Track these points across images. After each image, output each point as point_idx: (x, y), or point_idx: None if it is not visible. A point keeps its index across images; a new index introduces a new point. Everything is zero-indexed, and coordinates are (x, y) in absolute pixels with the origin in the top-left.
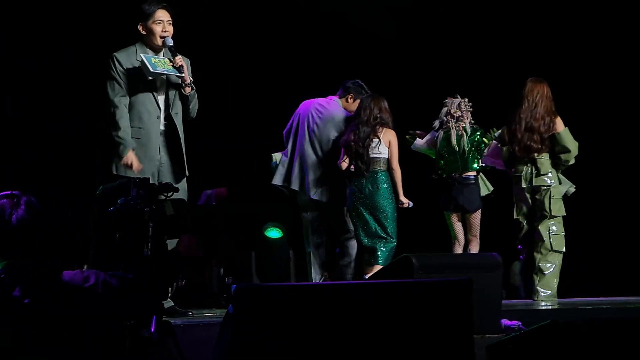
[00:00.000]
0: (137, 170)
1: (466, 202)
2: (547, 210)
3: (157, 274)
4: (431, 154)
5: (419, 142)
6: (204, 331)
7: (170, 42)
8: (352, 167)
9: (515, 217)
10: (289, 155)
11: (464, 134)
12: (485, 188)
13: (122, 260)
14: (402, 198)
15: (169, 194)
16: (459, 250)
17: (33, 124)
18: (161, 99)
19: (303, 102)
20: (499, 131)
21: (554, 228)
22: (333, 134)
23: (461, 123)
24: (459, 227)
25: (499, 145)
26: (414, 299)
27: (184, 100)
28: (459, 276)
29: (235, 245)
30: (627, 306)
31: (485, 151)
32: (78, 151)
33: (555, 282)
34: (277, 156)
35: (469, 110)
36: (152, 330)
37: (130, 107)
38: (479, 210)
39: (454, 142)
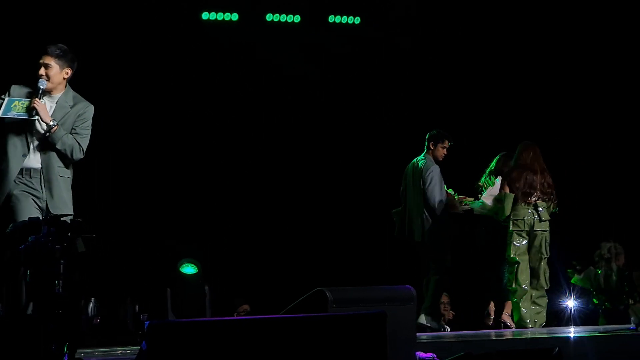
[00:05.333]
0: None
1: None
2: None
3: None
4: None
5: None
6: None
7: (42, 85)
8: None
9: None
10: None
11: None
12: None
13: (32, 298)
14: None
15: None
16: None
17: None
18: (32, 138)
19: None
20: None
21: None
22: None
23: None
24: None
25: None
26: (328, 333)
27: (51, 140)
28: (373, 309)
29: (151, 282)
30: (540, 337)
31: None
32: None
33: (545, 313)
34: None
35: (620, 254)
36: None
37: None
38: None
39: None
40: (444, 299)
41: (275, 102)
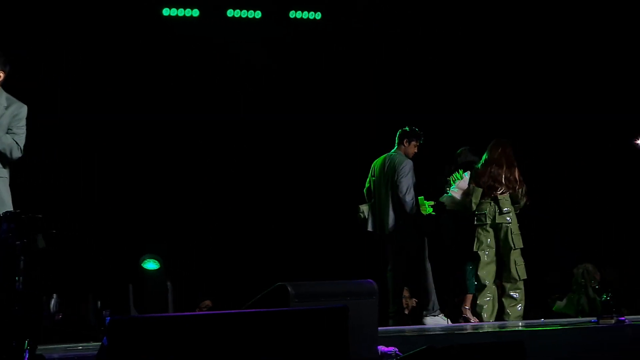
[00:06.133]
0: None
1: None
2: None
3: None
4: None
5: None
6: None
7: None
8: None
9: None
10: None
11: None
12: None
13: None
14: None
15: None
16: None
17: None
18: None
19: None
20: None
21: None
22: None
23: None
24: None
25: None
26: (290, 327)
27: None
28: (335, 304)
29: (113, 277)
30: (503, 330)
31: None
32: None
33: (522, 306)
34: None
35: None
36: None
37: None
38: None
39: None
40: (405, 293)
41: (237, 98)
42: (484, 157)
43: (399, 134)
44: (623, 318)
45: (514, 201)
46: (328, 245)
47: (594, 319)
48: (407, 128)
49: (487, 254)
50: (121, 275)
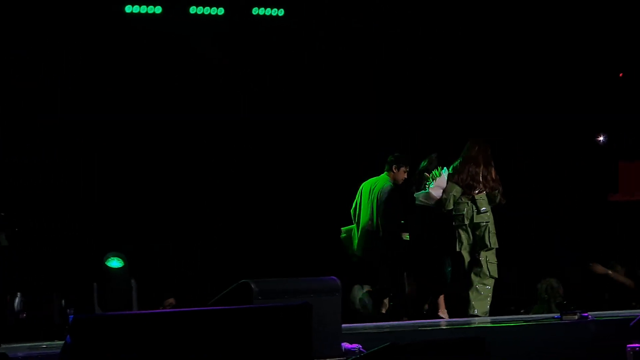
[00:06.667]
0: None
1: None
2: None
3: None
4: None
5: None
6: None
7: None
8: None
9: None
10: None
11: None
12: None
13: None
14: None
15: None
16: None
17: None
18: None
19: None
20: None
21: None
22: None
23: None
24: None
25: None
26: (253, 325)
27: None
28: (298, 301)
29: (77, 276)
30: (467, 326)
31: None
32: None
33: (488, 301)
34: None
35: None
36: None
37: None
38: None
39: None
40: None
41: (201, 95)
42: (462, 155)
43: (389, 160)
44: (586, 314)
45: (491, 200)
46: (291, 242)
47: (557, 314)
48: (397, 154)
49: (469, 253)
50: (85, 273)
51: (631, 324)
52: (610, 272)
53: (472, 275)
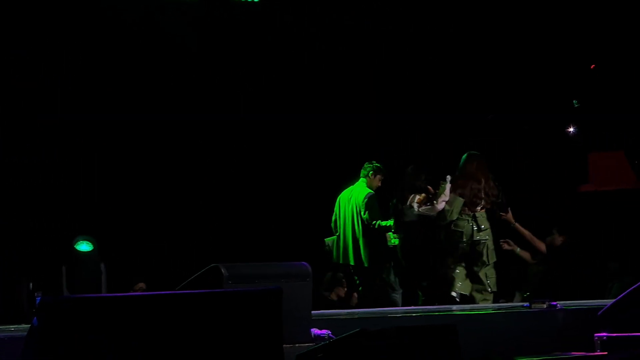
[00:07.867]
0: None
1: None
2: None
3: None
4: None
5: None
6: (9, 345)
7: None
8: None
9: None
10: None
11: None
12: None
13: None
14: None
15: None
16: None
17: None
18: None
19: None
20: None
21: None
22: None
23: None
24: None
25: None
26: (223, 309)
27: None
28: (268, 286)
29: (45, 259)
30: (436, 314)
31: None
32: None
33: None
34: None
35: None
36: None
37: None
38: None
39: None
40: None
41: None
42: (459, 170)
43: (366, 167)
44: (555, 303)
45: (490, 217)
46: (262, 226)
47: (526, 303)
48: (373, 162)
49: (465, 267)
50: (54, 257)
51: (599, 313)
52: (518, 249)
53: (475, 293)
